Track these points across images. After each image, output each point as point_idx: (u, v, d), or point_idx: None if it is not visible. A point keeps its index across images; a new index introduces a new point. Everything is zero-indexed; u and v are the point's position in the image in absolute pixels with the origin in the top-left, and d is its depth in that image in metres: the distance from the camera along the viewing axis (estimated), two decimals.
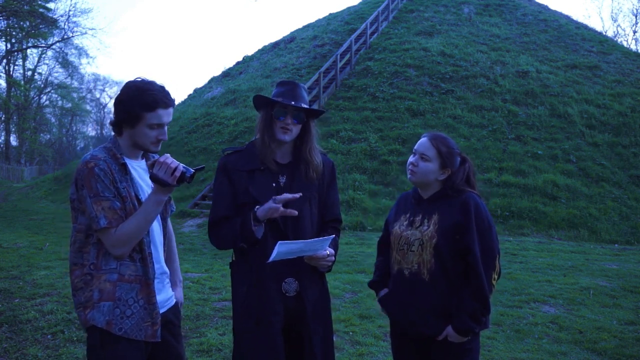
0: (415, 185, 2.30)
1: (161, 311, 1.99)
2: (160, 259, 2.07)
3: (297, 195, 2.03)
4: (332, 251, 2.14)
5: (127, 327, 1.87)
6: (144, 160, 2.09)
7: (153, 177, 1.84)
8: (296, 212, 2.04)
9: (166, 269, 2.12)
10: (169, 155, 1.87)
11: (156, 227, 2.07)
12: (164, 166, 1.83)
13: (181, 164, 1.86)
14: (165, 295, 2.07)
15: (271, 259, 1.93)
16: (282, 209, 2.01)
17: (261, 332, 2.05)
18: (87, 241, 1.90)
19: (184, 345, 2.20)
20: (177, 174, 1.82)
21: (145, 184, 2.02)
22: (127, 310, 1.88)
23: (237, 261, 2.18)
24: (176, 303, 2.16)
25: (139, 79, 1.96)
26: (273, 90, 2.22)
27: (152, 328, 1.92)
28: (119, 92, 1.97)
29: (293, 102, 2.11)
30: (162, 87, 1.95)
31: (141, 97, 1.88)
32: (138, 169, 2.03)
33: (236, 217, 2.12)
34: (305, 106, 2.15)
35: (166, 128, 1.98)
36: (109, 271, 1.89)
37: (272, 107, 2.15)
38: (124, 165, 1.94)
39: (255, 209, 2.04)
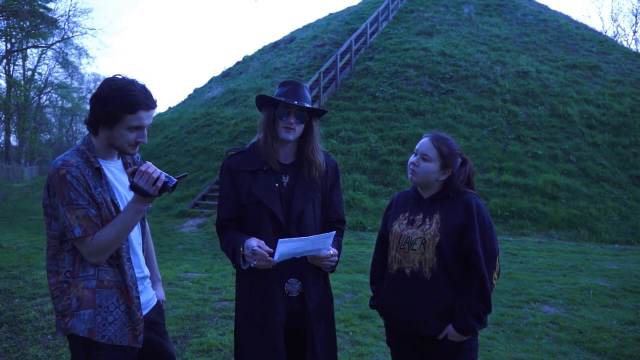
0: (416, 185, 2.30)
1: (144, 312, 1.96)
2: (140, 263, 2.02)
3: (269, 257, 1.94)
4: (336, 251, 2.14)
5: (110, 333, 1.83)
6: (119, 161, 2.00)
7: (133, 187, 1.76)
8: (272, 260, 1.95)
9: (147, 272, 2.08)
10: (150, 163, 1.79)
11: (135, 230, 2.00)
12: (145, 176, 1.75)
13: (163, 173, 1.79)
14: (147, 297, 2.05)
15: (275, 259, 1.92)
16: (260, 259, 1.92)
17: (263, 332, 2.05)
18: (62, 248, 1.83)
19: (172, 342, 2.18)
20: (159, 184, 1.76)
21: (121, 186, 1.95)
22: (109, 316, 1.84)
23: None
24: (158, 302, 2.15)
25: (119, 77, 1.83)
26: (276, 90, 2.21)
27: (133, 333, 1.89)
28: (96, 89, 1.85)
29: (296, 102, 2.11)
30: (144, 87, 1.84)
31: (122, 98, 1.77)
32: (114, 170, 1.94)
33: (241, 218, 2.13)
34: (308, 105, 2.15)
35: (146, 130, 1.88)
36: (87, 278, 1.82)
37: (275, 106, 2.14)
38: (99, 170, 1.85)
39: (241, 250, 1.98)
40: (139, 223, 2.04)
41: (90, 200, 1.79)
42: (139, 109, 1.79)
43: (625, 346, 4.13)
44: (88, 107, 1.86)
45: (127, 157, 2.04)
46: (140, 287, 1.97)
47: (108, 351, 1.82)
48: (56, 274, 1.84)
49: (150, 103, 1.83)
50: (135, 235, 2.02)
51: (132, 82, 1.82)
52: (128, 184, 1.96)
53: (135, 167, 1.82)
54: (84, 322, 1.80)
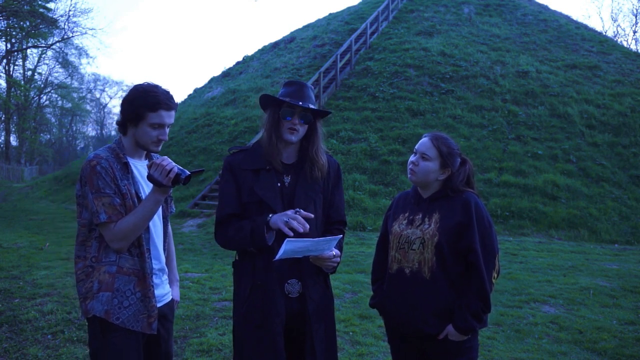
0: (415, 184, 2.30)
1: (158, 305, 2.08)
2: (159, 256, 2.16)
3: (312, 215, 2.03)
4: (338, 252, 2.13)
5: (125, 317, 1.97)
6: (147, 161, 2.20)
7: (150, 178, 1.94)
8: (308, 228, 1.97)
9: (165, 266, 2.22)
10: (166, 157, 1.96)
11: (157, 225, 2.16)
12: (159, 167, 1.92)
13: (177, 166, 1.95)
14: (163, 291, 2.18)
15: (278, 256, 1.92)
16: (297, 223, 1.95)
17: (262, 332, 2.05)
18: (90, 235, 2.02)
19: (173, 341, 2.30)
20: (172, 175, 1.92)
21: (145, 183, 2.11)
22: (125, 301, 1.98)
23: (240, 261, 2.18)
24: (172, 300, 2.27)
25: (146, 83, 2.10)
26: (280, 90, 2.21)
27: (148, 320, 2.02)
28: (126, 93, 2.12)
29: (301, 102, 2.11)
30: (167, 91, 2.09)
31: (145, 98, 2.01)
32: (140, 168, 2.14)
33: (242, 216, 2.12)
34: (313, 106, 2.15)
35: (167, 129, 2.09)
36: (109, 263, 1.99)
37: (280, 107, 2.14)
38: (126, 165, 2.05)
39: (269, 217, 2.01)
40: (161, 223, 2.21)
41: (117, 190, 1.99)
42: (159, 108, 2.02)
43: (625, 346, 4.13)
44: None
45: (153, 157, 2.22)
46: (157, 280, 2.12)
47: (122, 334, 1.97)
48: (83, 259, 2.02)
49: (171, 104, 2.07)
50: (158, 230, 2.18)
51: (156, 86, 2.08)
52: None
53: (153, 160, 2.00)
54: (102, 304, 1.96)
